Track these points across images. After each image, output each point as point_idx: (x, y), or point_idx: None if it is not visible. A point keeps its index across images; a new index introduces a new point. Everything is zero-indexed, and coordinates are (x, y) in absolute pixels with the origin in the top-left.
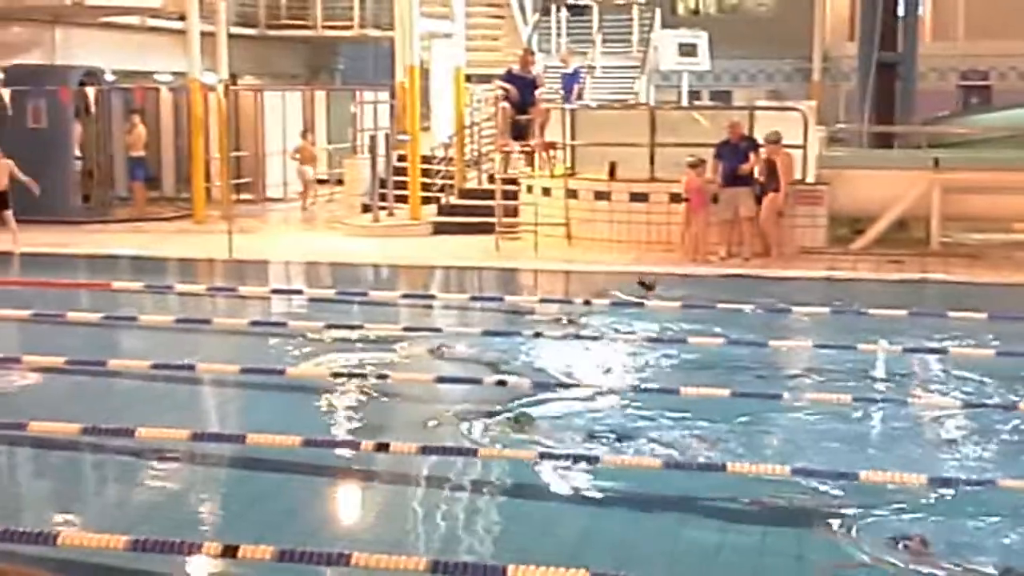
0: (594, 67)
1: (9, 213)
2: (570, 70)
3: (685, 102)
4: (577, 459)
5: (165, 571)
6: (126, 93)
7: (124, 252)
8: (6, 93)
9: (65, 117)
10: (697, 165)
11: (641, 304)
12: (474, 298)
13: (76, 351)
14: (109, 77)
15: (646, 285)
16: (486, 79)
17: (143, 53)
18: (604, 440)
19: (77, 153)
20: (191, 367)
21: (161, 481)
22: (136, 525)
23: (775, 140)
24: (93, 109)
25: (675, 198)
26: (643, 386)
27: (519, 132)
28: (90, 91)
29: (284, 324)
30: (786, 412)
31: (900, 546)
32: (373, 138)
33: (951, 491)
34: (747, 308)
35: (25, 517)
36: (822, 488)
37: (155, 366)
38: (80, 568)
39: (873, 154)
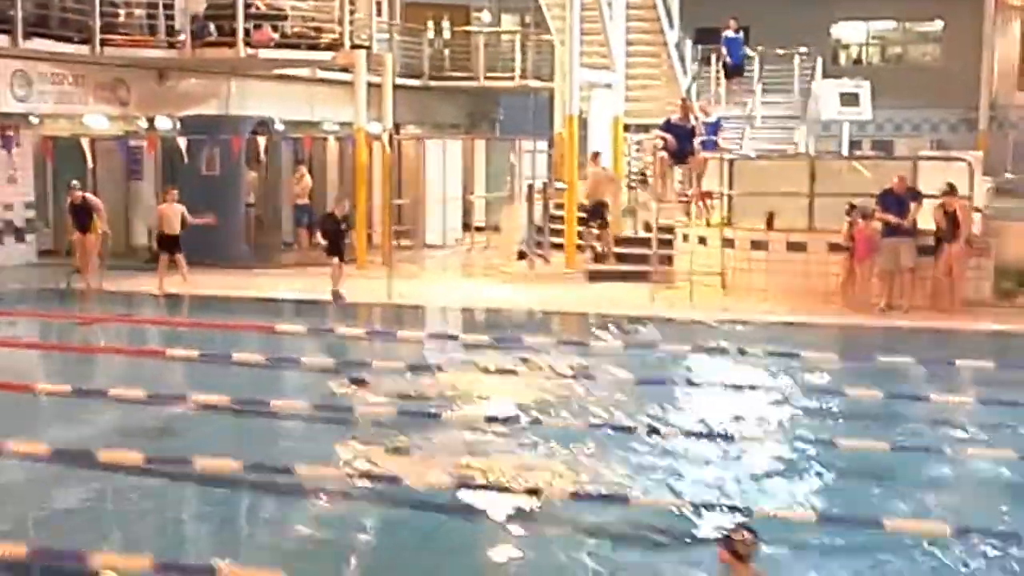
0: (754, 117)
1: (181, 256)
2: (712, 119)
3: (846, 152)
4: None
5: None
6: (295, 142)
7: (288, 296)
8: (183, 142)
9: (237, 165)
10: (868, 215)
11: (797, 355)
12: (629, 346)
13: (241, 390)
14: (279, 127)
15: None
16: (644, 128)
17: (312, 104)
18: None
19: (248, 200)
20: (350, 408)
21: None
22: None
23: (951, 191)
24: (264, 158)
25: (834, 248)
26: (797, 435)
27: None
28: (261, 140)
29: (439, 368)
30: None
31: None
32: (531, 186)
33: None
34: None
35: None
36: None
37: (316, 407)
38: None
39: None
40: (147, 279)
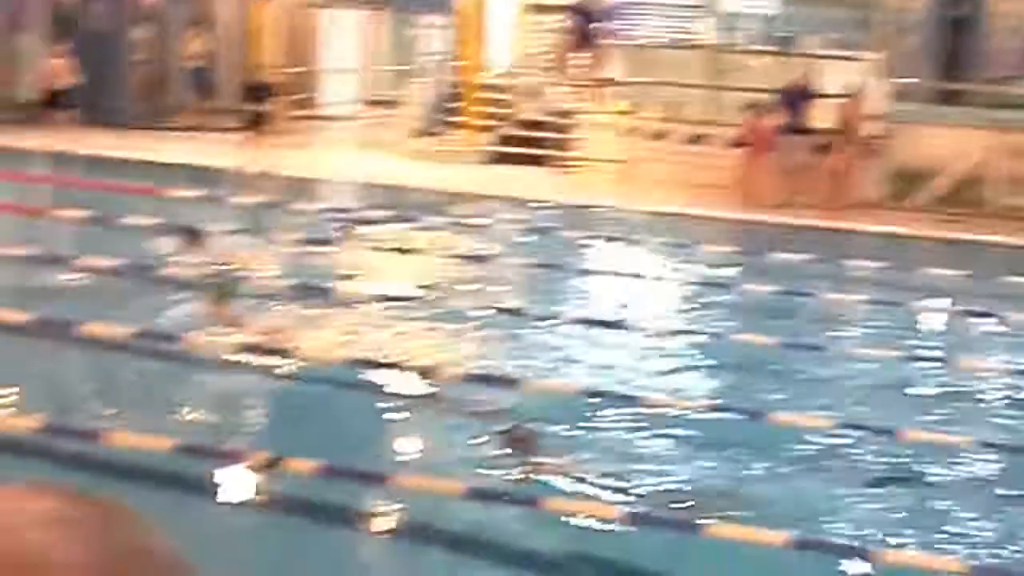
0: (655, 3)
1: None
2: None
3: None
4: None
5: None
6: (189, 1)
7: (179, 160)
8: None
9: (124, 20)
10: (763, 111)
11: (690, 246)
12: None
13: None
14: None
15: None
16: (548, 9)
17: None
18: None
19: (142, 57)
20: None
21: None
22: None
23: (855, 94)
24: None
25: (733, 143)
26: (689, 328)
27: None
28: None
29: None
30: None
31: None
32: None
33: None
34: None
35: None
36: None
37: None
38: None
39: (938, 111)
40: (33, 136)
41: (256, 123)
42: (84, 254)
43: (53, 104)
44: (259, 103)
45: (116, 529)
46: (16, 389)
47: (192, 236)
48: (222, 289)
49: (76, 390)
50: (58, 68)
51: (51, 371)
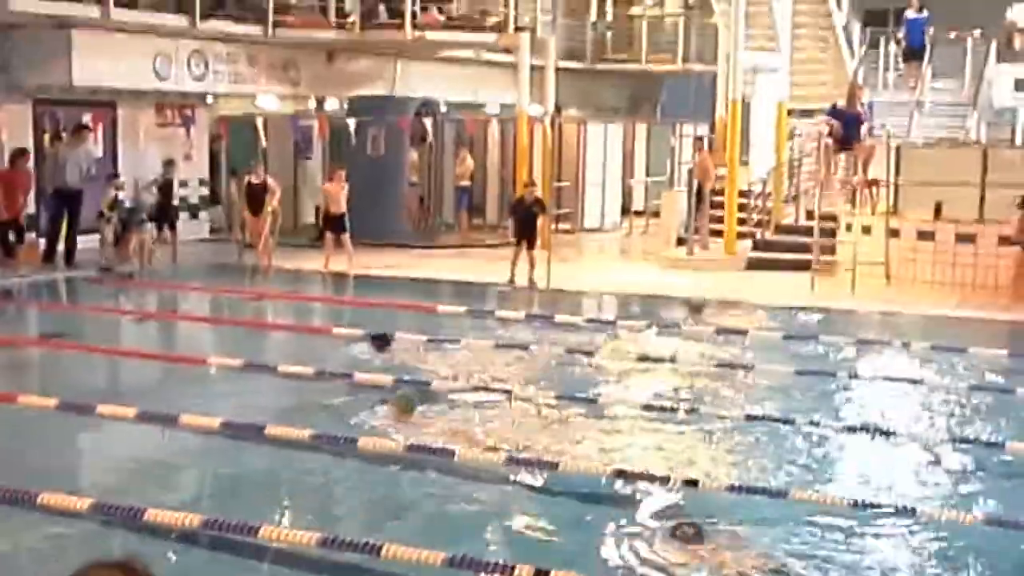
0: (922, 102)
1: (346, 236)
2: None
3: (1020, 141)
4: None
5: None
6: (458, 124)
7: (449, 277)
8: (351, 122)
9: (402, 146)
10: None
11: (964, 350)
12: (788, 337)
13: (398, 370)
14: (443, 108)
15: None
16: (809, 113)
17: (475, 85)
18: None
19: (412, 180)
20: (508, 392)
21: (476, 500)
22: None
23: None
24: (428, 139)
25: (1004, 240)
26: (962, 436)
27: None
28: (426, 121)
29: (592, 354)
30: None
31: None
32: (691, 171)
33: None
34: None
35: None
36: None
37: (476, 388)
38: None
39: None
40: (314, 256)
41: (521, 238)
42: (356, 369)
43: (331, 227)
44: (521, 219)
45: None
46: (297, 503)
47: (381, 341)
48: (404, 399)
49: (351, 502)
50: (335, 192)
51: (331, 486)
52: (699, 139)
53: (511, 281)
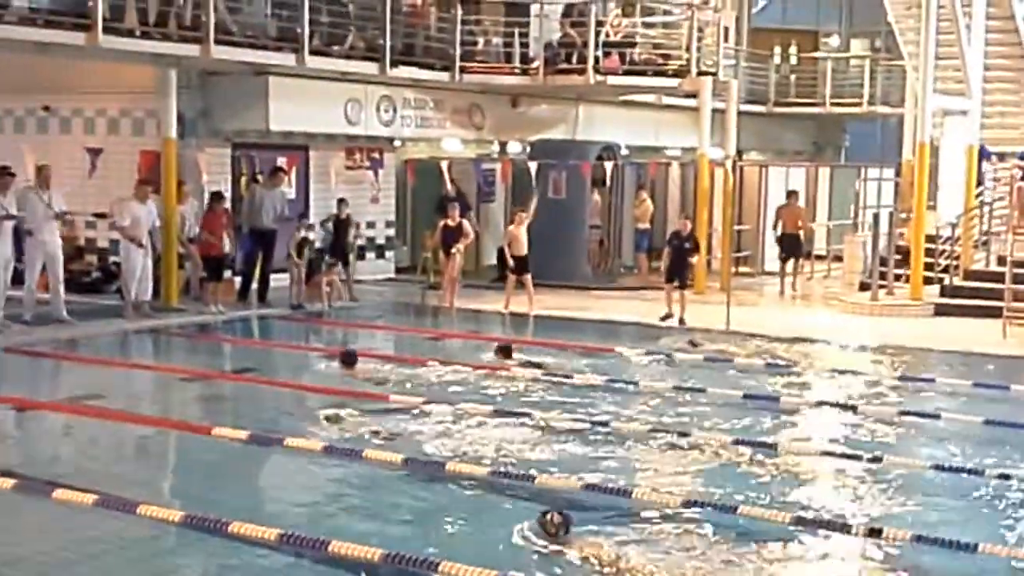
0: None
1: (528, 276)
2: None
3: None
4: None
5: None
6: (639, 167)
7: (629, 319)
8: (533, 166)
9: (583, 189)
10: None
11: None
12: (977, 384)
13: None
14: (624, 152)
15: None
16: (1001, 156)
17: (656, 129)
18: None
19: (593, 223)
20: (686, 434)
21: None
22: None
23: None
24: (608, 182)
25: None
26: None
27: None
28: (607, 165)
29: (776, 399)
30: None
31: None
32: (876, 215)
33: None
34: None
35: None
36: None
37: (653, 430)
38: None
39: None
40: (494, 297)
41: (672, 278)
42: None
43: (515, 269)
44: (673, 253)
45: None
46: (476, 539)
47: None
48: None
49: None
50: (518, 235)
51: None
52: (792, 193)
53: (667, 316)
